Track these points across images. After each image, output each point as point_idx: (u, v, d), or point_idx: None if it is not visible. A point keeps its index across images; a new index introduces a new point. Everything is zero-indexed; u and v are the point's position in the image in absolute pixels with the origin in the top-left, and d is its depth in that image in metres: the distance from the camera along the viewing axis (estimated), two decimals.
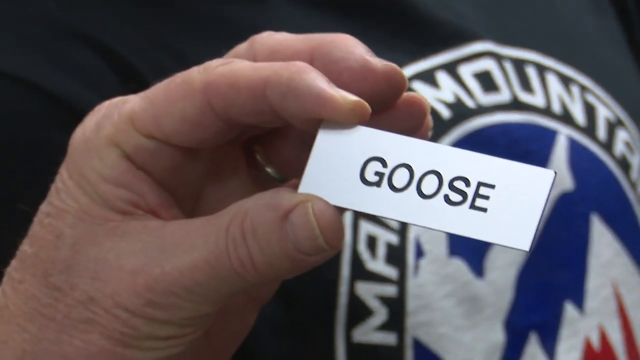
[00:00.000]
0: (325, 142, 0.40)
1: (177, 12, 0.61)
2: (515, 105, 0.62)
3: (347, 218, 0.60)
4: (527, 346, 0.64)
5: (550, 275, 0.65)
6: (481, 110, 0.62)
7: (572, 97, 0.65)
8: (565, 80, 0.65)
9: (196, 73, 0.39)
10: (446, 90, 0.62)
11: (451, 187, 0.39)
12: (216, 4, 0.60)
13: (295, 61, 0.39)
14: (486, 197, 0.38)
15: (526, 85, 0.64)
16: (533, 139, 0.64)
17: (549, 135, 0.63)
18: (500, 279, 0.63)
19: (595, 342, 0.64)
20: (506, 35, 0.65)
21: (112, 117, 0.40)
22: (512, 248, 0.39)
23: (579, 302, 0.64)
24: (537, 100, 0.63)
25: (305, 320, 0.61)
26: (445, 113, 0.61)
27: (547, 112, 0.64)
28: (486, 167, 0.39)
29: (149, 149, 0.40)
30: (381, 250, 0.61)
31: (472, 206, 0.38)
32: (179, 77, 0.40)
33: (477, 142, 0.63)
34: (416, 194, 0.39)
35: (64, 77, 0.56)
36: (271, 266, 0.39)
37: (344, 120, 0.38)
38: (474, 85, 0.63)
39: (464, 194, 0.38)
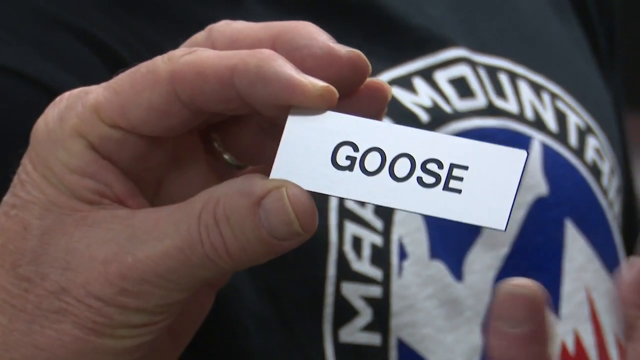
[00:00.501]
0: (295, 127, 0.40)
1: (157, 13, 0.62)
2: (491, 110, 0.63)
3: (333, 219, 0.61)
4: None
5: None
6: (458, 115, 0.63)
7: (543, 104, 0.67)
8: (537, 88, 0.66)
9: (161, 62, 0.40)
10: (423, 95, 0.62)
11: (424, 169, 0.39)
12: (193, 5, 0.61)
13: (261, 49, 0.40)
14: (460, 179, 0.39)
15: (500, 92, 0.65)
16: (508, 143, 0.67)
17: (524, 141, 0.64)
18: (479, 283, 0.64)
19: (570, 346, 0.65)
20: (479, 42, 0.66)
21: (76, 108, 0.40)
22: (488, 228, 0.40)
23: (555, 306, 0.66)
24: (511, 106, 0.64)
25: (294, 318, 0.62)
26: (424, 117, 0.62)
27: (520, 118, 0.65)
28: (459, 149, 0.40)
29: (115, 138, 0.40)
30: (366, 251, 0.61)
31: (446, 188, 0.39)
32: (144, 67, 0.40)
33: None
34: (389, 177, 0.40)
35: (54, 67, 0.57)
36: (245, 252, 0.39)
37: (313, 105, 0.39)
38: (450, 91, 0.64)
39: (437, 176, 0.39)
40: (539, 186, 0.65)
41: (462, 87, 0.65)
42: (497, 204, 0.40)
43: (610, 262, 0.70)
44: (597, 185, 0.68)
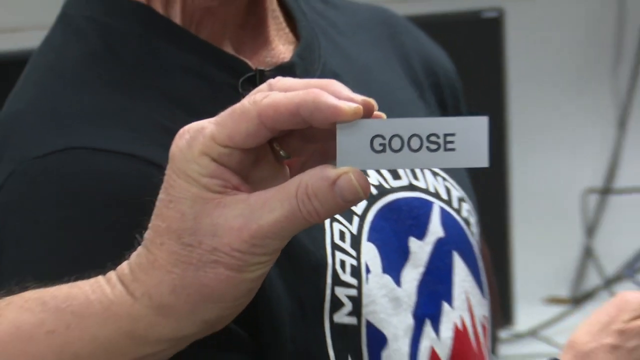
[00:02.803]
0: (343, 133, 0.53)
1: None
2: (411, 187, 0.85)
3: (329, 250, 0.78)
4: (424, 327, 0.86)
5: (434, 287, 0.87)
6: (393, 190, 0.84)
7: (438, 183, 0.89)
8: (434, 174, 0.88)
9: (249, 105, 0.54)
10: (373, 177, 0.82)
11: (429, 141, 0.52)
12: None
13: (312, 88, 0.53)
14: (452, 142, 0.52)
15: (415, 176, 0.86)
16: (421, 207, 0.86)
17: (429, 205, 0.85)
18: (409, 288, 0.84)
19: (459, 325, 0.87)
20: None
21: (198, 138, 0.55)
22: (478, 166, 0.54)
23: (450, 302, 0.87)
24: (421, 184, 0.86)
25: (307, 309, 0.78)
26: (374, 191, 0.82)
27: (427, 191, 0.86)
28: (446, 125, 0.53)
29: (226, 153, 0.54)
30: (348, 269, 0.78)
31: (446, 149, 0.52)
32: (238, 109, 0.54)
33: (392, 209, 0.84)
34: (408, 150, 0.53)
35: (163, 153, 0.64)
36: (328, 212, 0.54)
37: (350, 119, 0.53)
38: (387, 175, 0.85)
39: (438, 144, 0.52)
40: (439, 232, 0.85)
41: (394, 172, 0.86)
42: (478, 151, 0.53)
43: (477, 277, 0.93)
44: (469, 231, 0.89)
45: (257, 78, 0.76)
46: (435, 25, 1.79)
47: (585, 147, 2.09)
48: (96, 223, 0.73)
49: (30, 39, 1.12)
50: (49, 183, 0.76)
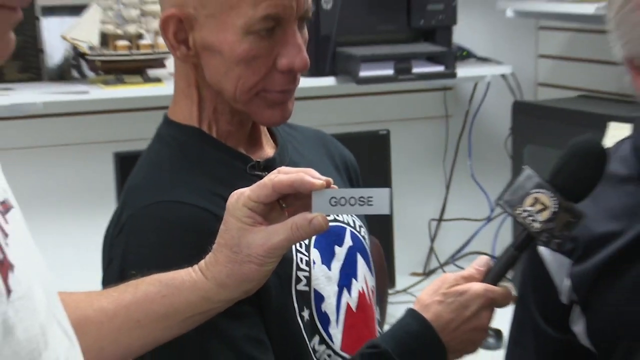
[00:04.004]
0: (316, 195, 0.92)
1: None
2: (335, 220, 1.21)
3: (294, 254, 1.12)
4: (343, 291, 1.21)
5: (348, 271, 1.23)
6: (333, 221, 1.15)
7: (349, 217, 1.25)
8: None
9: (267, 181, 0.90)
10: None
11: (359, 200, 0.94)
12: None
13: (300, 172, 0.92)
14: (371, 201, 0.93)
15: (338, 216, 1.22)
16: (340, 230, 1.25)
17: (345, 229, 1.24)
18: (335, 272, 1.20)
19: (361, 290, 1.24)
20: None
21: (241, 197, 0.91)
22: (384, 214, 0.96)
23: (356, 278, 1.25)
24: (341, 219, 1.23)
25: (282, 283, 1.13)
26: None
27: (343, 222, 1.24)
28: (368, 192, 0.93)
29: (255, 206, 0.90)
30: (303, 261, 1.15)
31: (368, 204, 0.93)
32: (262, 182, 0.91)
33: (329, 232, 1.12)
34: (349, 205, 0.93)
35: (213, 205, 1.08)
36: (307, 237, 0.94)
37: (320, 188, 0.91)
38: None
39: (363, 201, 0.93)
40: (350, 242, 1.24)
41: None
42: (384, 206, 0.92)
43: (369, 266, 1.30)
44: (365, 242, 1.27)
45: (256, 166, 1.14)
46: (349, 139, 2.22)
47: (432, 197, 2.95)
48: (177, 243, 1.10)
49: None
50: (151, 219, 1.13)
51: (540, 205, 1.17)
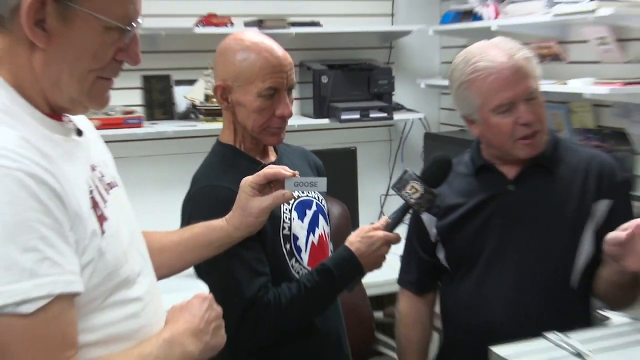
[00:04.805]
0: (287, 181, 1.19)
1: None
2: (307, 197, 1.32)
3: (281, 213, 1.26)
4: (310, 234, 1.33)
5: (314, 223, 1.34)
6: (300, 197, 1.30)
7: (315, 194, 1.38)
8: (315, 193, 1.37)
9: (262, 172, 1.18)
10: (296, 194, 1.24)
11: (310, 184, 1.19)
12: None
13: (279, 168, 1.19)
14: (315, 184, 1.19)
15: (309, 194, 1.35)
16: (310, 201, 1.37)
17: (312, 201, 1.37)
18: (306, 223, 1.31)
19: (321, 234, 1.37)
20: None
21: (247, 180, 1.20)
22: (323, 191, 1.29)
23: (318, 227, 1.34)
24: (310, 195, 1.32)
25: (275, 231, 1.25)
26: (296, 196, 1.29)
27: (312, 197, 1.32)
28: (315, 179, 1.20)
29: (255, 185, 1.19)
30: (287, 220, 1.27)
31: (314, 186, 1.20)
32: (258, 173, 1.19)
33: (301, 202, 1.30)
34: (305, 186, 1.18)
35: (235, 186, 1.20)
36: (282, 202, 1.21)
37: (289, 177, 1.19)
38: (299, 194, 1.31)
39: (314, 184, 1.20)
40: (314, 208, 1.32)
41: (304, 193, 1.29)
42: (323, 187, 1.19)
43: (327, 221, 1.37)
44: (325, 207, 1.40)
45: (264, 166, 1.20)
46: (334, 152, 2.77)
47: (381, 183, 3.16)
48: (216, 206, 1.24)
49: None
50: (203, 196, 1.28)
51: (414, 190, 1.25)
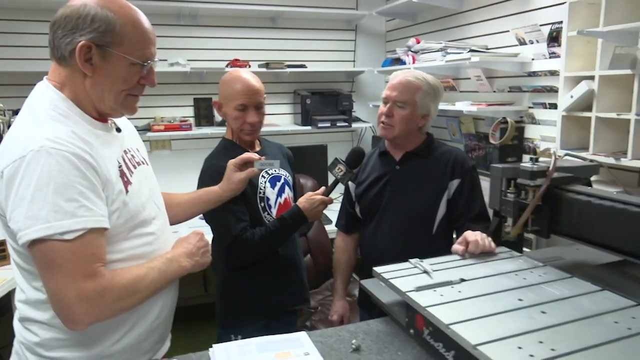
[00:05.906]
0: (256, 163, 1.25)
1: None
2: (278, 173, 1.33)
3: (261, 183, 1.20)
4: (278, 196, 1.33)
5: (281, 190, 1.33)
6: (273, 174, 1.27)
7: (280, 171, 1.30)
8: (282, 173, 1.31)
9: (239, 156, 1.23)
10: (270, 172, 1.22)
11: (269, 165, 1.19)
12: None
13: (251, 154, 1.20)
14: (272, 164, 1.18)
15: (278, 172, 1.30)
16: (280, 176, 1.34)
17: (282, 176, 1.36)
18: (276, 190, 1.30)
19: (286, 197, 1.38)
20: None
21: (231, 162, 1.25)
22: (277, 168, 1.25)
23: (284, 193, 1.33)
24: (280, 173, 1.32)
25: (254, 195, 1.25)
26: (271, 173, 1.24)
27: (280, 174, 1.31)
28: (273, 162, 1.23)
29: (236, 164, 1.25)
30: (263, 188, 1.25)
31: (273, 166, 1.20)
32: (239, 157, 1.23)
33: (273, 176, 1.27)
34: (267, 166, 1.19)
35: (225, 162, 1.24)
36: (252, 176, 1.24)
37: (256, 160, 1.26)
38: (272, 172, 1.26)
39: (270, 164, 1.19)
40: (282, 181, 1.30)
41: (274, 172, 1.26)
42: (277, 167, 1.22)
43: (291, 188, 1.34)
44: (290, 180, 1.33)
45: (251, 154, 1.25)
46: (312, 148, 2.67)
47: None
48: (215, 176, 1.30)
49: None
50: (208, 169, 1.33)
51: (340, 170, 1.33)
